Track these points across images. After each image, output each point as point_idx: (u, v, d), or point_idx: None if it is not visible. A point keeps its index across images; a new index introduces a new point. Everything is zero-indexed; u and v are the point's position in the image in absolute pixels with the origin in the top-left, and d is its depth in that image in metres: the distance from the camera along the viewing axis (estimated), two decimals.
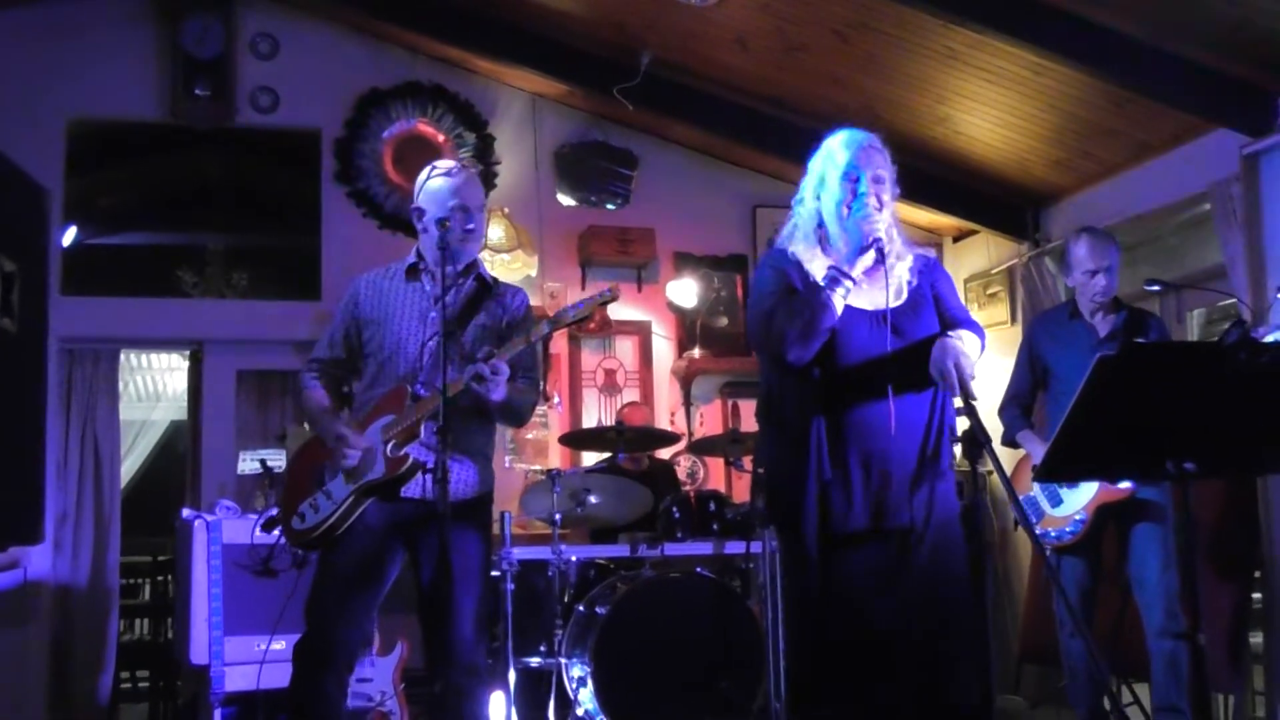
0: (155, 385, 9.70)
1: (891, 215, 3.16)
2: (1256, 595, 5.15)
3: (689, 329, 7.09)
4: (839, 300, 3.02)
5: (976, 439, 2.75)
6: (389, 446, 3.35)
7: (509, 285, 3.72)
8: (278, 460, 5.55)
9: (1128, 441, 2.60)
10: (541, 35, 6.49)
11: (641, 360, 7.09)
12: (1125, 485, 4.31)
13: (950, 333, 3.09)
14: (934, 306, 3.18)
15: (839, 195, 3.13)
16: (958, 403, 2.94)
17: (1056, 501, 4.46)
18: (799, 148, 6.69)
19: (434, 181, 3.59)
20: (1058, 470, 2.87)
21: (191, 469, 6.62)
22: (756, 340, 3.21)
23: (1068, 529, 4.41)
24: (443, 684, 3.35)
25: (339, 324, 3.65)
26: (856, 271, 3.05)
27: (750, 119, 6.67)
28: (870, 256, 3.04)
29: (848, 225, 3.09)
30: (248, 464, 5.80)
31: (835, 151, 3.19)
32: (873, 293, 3.11)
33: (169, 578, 6.96)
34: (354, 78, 6.79)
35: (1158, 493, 4.38)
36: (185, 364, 9.04)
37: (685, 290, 7.00)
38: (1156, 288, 4.73)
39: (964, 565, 2.92)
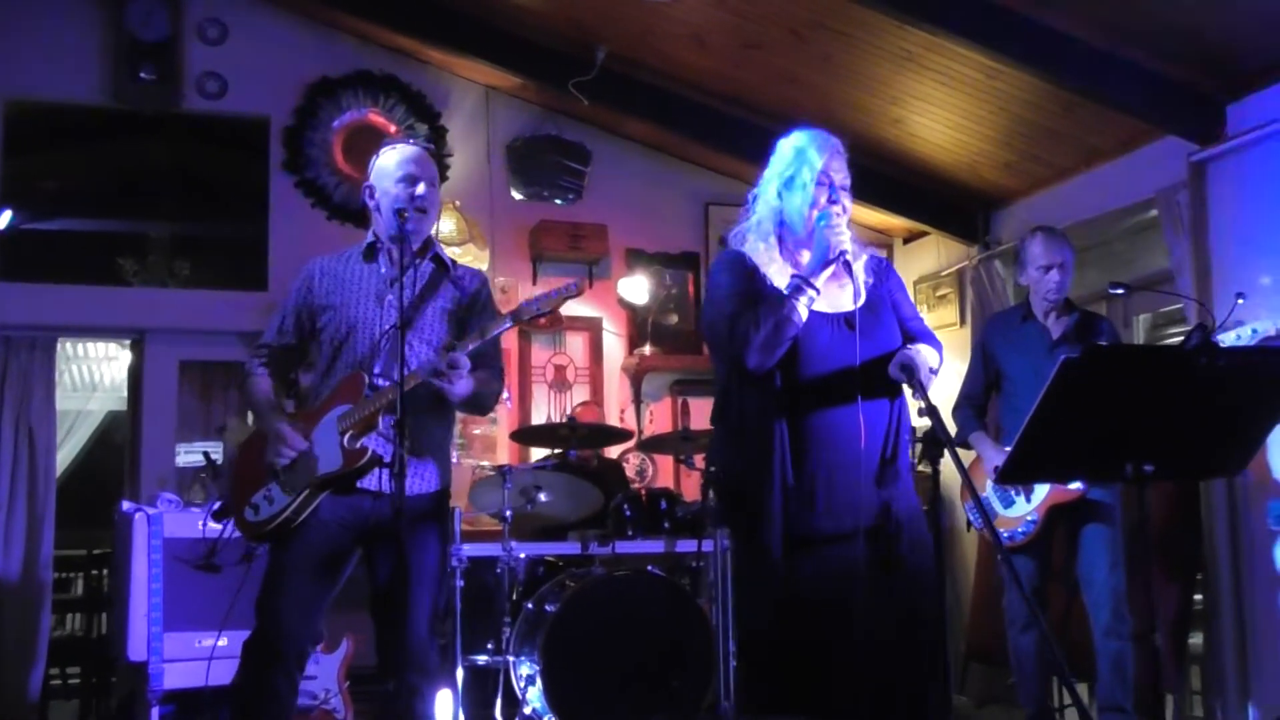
0: (92, 375, 9.52)
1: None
2: (1198, 596, 5.22)
3: (640, 326, 7.07)
4: (803, 309, 2.99)
5: (938, 439, 2.74)
6: (346, 438, 3.27)
7: (466, 267, 3.66)
8: (220, 453, 5.45)
9: (1088, 444, 2.61)
10: (496, 27, 6.43)
11: (592, 356, 7.05)
12: (1076, 487, 4.35)
13: (910, 346, 3.08)
14: (892, 312, 3.18)
15: (809, 198, 3.08)
16: (916, 406, 2.92)
17: (1008, 503, 4.49)
18: (753, 146, 6.71)
19: (384, 157, 3.53)
20: (1019, 472, 2.88)
21: (130, 460, 6.49)
22: (716, 343, 3.15)
23: (1019, 530, 4.44)
24: (397, 683, 3.28)
25: (290, 308, 3.55)
26: (819, 281, 3.00)
27: (705, 116, 6.66)
28: (830, 269, 3.01)
29: (812, 231, 3.06)
30: (189, 456, 5.69)
31: (808, 152, 3.13)
32: (832, 295, 3.08)
33: (104, 572, 6.82)
34: (304, 66, 6.69)
35: (1107, 494, 4.43)
36: (122, 354, 8.93)
37: (637, 287, 6.97)
38: (1120, 290, 4.77)
39: (933, 562, 2.91)
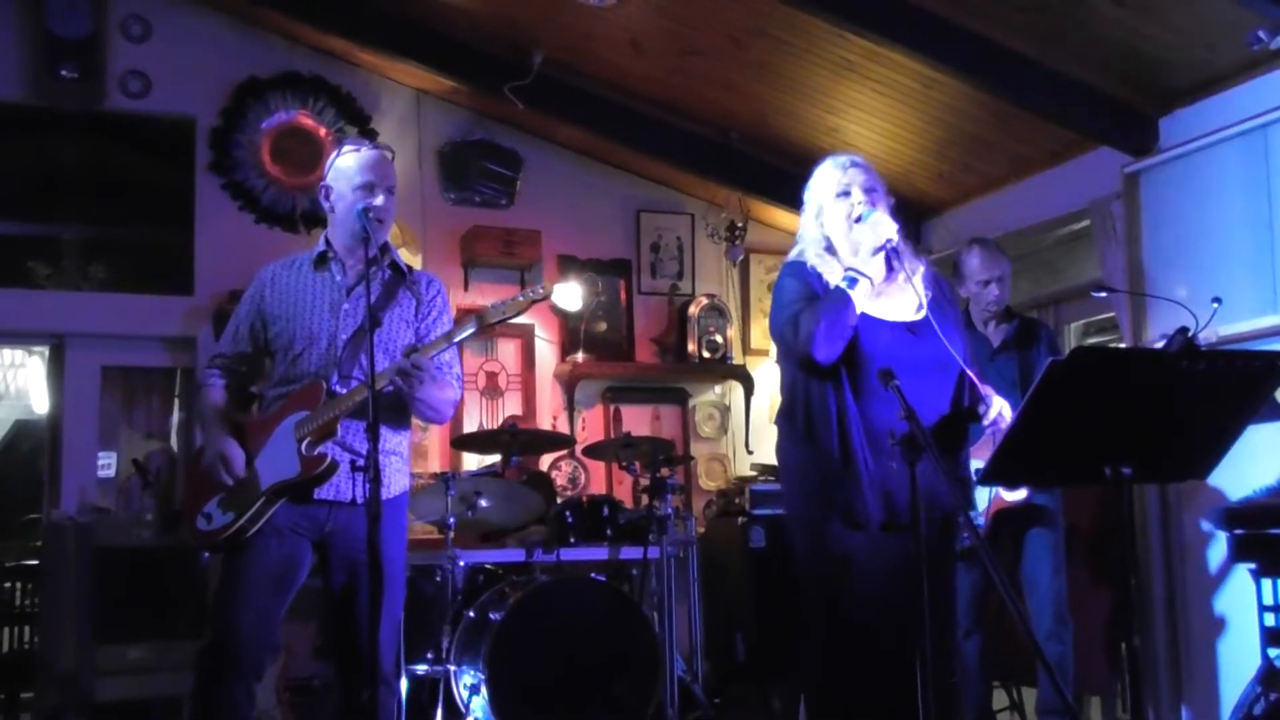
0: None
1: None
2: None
3: (572, 333, 7.02)
4: (858, 298, 3.13)
5: (916, 442, 2.75)
6: (304, 444, 3.19)
7: (422, 272, 3.60)
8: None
9: (1069, 447, 2.63)
10: (428, 29, 6.34)
11: (524, 363, 6.99)
12: (1022, 492, 4.41)
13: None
14: (953, 325, 3.31)
15: (839, 212, 3.28)
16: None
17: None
18: (686, 153, 6.87)
19: (344, 159, 3.45)
20: (1001, 474, 2.90)
21: (50, 469, 6.25)
22: (784, 343, 3.29)
23: (966, 535, 4.48)
24: (360, 695, 3.20)
25: (244, 317, 3.47)
26: (871, 270, 3.15)
27: (640, 123, 6.65)
28: (882, 260, 3.17)
29: (856, 235, 3.22)
30: (114, 465, 5.52)
31: (825, 176, 3.36)
32: (894, 302, 3.24)
33: (15, 584, 6.60)
34: (231, 65, 6.53)
35: (1050, 499, 4.51)
36: (30, 360, 8.63)
37: (569, 294, 6.92)
38: (1103, 294, 4.94)
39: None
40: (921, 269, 3.29)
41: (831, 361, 3.13)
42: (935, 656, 2.72)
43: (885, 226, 3.16)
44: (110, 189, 6.63)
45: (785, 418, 3.36)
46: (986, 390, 3.25)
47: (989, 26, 5.08)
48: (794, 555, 3.35)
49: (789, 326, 3.19)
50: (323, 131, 6.56)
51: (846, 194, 3.28)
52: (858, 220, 3.22)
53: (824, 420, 3.17)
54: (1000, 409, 3.19)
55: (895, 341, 3.19)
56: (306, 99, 6.62)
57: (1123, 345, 5.33)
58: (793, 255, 3.40)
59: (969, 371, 3.26)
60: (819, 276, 3.26)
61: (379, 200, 3.36)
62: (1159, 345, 4.16)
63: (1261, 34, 4.51)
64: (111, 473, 6.14)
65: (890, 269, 3.21)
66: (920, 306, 3.22)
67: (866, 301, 3.18)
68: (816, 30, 5.40)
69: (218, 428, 3.37)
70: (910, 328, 3.22)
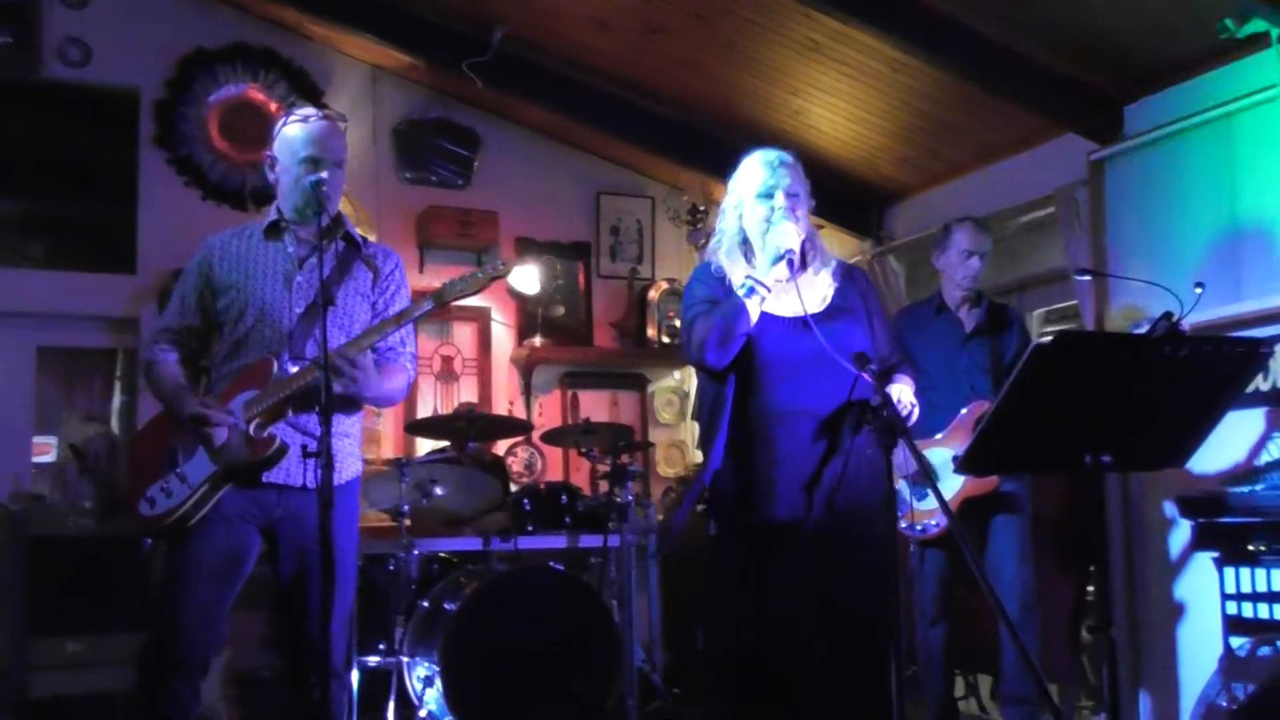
0: None
1: (809, 227, 3.36)
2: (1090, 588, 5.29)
3: (530, 317, 6.88)
4: (754, 307, 3.18)
5: (892, 428, 2.67)
6: (252, 426, 3.04)
7: (378, 245, 3.46)
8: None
9: (1050, 434, 2.56)
10: (385, 1, 6.16)
11: (480, 347, 6.84)
12: (991, 479, 4.35)
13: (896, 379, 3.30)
14: (856, 318, 3.34)
15: (758, 211, 3.30)
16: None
17: (921, 495, 4.46)
18: (648, 135, 6.74)
19: (289, 128, 3.30)
20: (980, 463, 2.82)
21: None
22: (686, 349, 3.36)
23: (933, 522, 4.43)
24: (310, 687, 3.06)
25: (190, 288, 3.30)
26: (770, 280, 3.19)
27: (601, 103, 6.51)
28: (783, 267, 3.19)
29: (767, 238, 3.25)
30: (55, 450, 5.31)
31: (752, 171, 3.38)
32: (792, 300, 3.23)
33: None
34: (177, 35, 6.31)
35: (1018, 486, 4.46)
36: None
37: (527, 277, 6.78)
38: (1086, 278, 4.92)
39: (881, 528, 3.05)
40: (833, 264, 3.39)
41: (723, 367, 3.20)
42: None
43: (788, 238, 3.19)
44: (48, 162, 6.36)
45: (697, 418, 3.61)
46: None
47: (958, 10, 4.99)
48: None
49: (686, 331, 3.30)
50: (274, 106, 6.36)
51: (769, 195, 3.30)
52: (766, 223, 3.26)
53: (718, 419, 3.22)
54: (899, 393, 3.20)
55: (788, 336, 3.23)
56: (257, 72, 6.43)
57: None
58: (709, 250, 3.46)
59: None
60: (723, 280, 3.32)
61: (324, 173, 3.19)
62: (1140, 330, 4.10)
63: (1229, 22, 4.47)
64: (52, 458, 5.93)
65: (793, 269, 3.22)
66: (824, 299, 3.30)
67: (766, 300, 3.24)
68: (783, 10, 5.29)
69: (183, 393, 3.19)
70: (808, 321, 3.19)
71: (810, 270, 3.32)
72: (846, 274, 3.43)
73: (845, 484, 3.13)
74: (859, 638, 3.07)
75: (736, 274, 3.30)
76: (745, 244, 3.36)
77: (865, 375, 2.98)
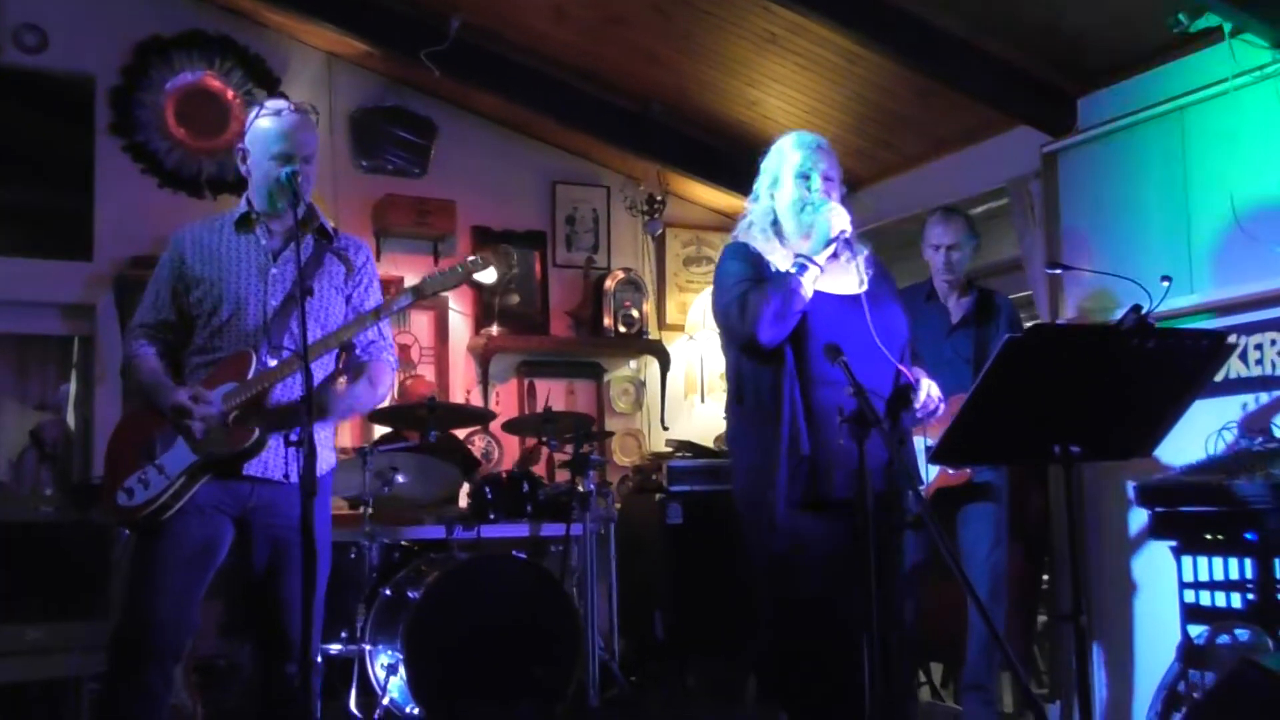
0: None
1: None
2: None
3: (486, 306, 6.90)
4: (808, 284, 3.16)
5: (864, 418, 2.72)
6: (231, 418, 3.05)
7: (349, 237, 3.46)
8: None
9: (1021, 425, 2.62)
10: None
11: (437, 336, 6.85)
12: (966, 472, 4.44)
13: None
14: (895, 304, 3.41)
15: (794, 194, 3.33)
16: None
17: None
18: (603, 125, 6.78)
19: (261, 121, 3.28)
20: (952, 453, 2.88)
21: None
22: (729, 325, 3.28)
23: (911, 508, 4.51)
24: (283, 676, 3.08)
25: (165, 282, 3.29)
26: (822, 259, 3.19)
27: (558, 93, 6.52)
28: (831, 249, 3.20)
29: (806, 219, 3.27)
30: (7, 436, 5.27)
31: (787, 152, 3.41)
32: (838, 279, 3.26)
33: None
34: (133, 22, 6.24)
35: (995, 475, 4.54)
36: None
37: (488, 261, 6.78)
38: (1058, 270, 5.00)
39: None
40: (865, 252, 3.36)
41: (776, 344, 3.14)
42: (885, 632, 2.70)
43: (840, 218, 3.20)
44: (3, 148, 6.28)
45: (734, 402, 3.37)
46: (917, 372, 3.30)
47: (913, 3, 5.06)
48: (743, 538, 3.31)
49: (735, 306, 3.19)
50: (230, 94, 6.33)
51: (805, 177, 3.33)
52: (812, 206, 3.27)
53: (771, 402, 3.18)
54: (929, 390, 3.23)
55: (841, 314, 3.21)
56: (213, 59, 6.38)
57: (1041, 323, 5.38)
58: (737, 234, 3.42)
59: (897, 351, 3.31)
60: (763, 259, 3.29)
61: (296, 168, 3.19)
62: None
63: (1182, 17, 4.56)
64: None
65: (834, 255, 3.25)
66: (861, 282, 3.25)
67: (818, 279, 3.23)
68: (742, 2, 5.34)
69: (165, 383, 3.18)
70: (853, 301, 3.22)
71: (846, 254, 3.29)
72: (875, 260, 3.46)
73: (881, 473, 3.12)
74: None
75: (775, 255, 3.28)
76: (776, 224, 3.36)
77: (903, 369, 3.09)
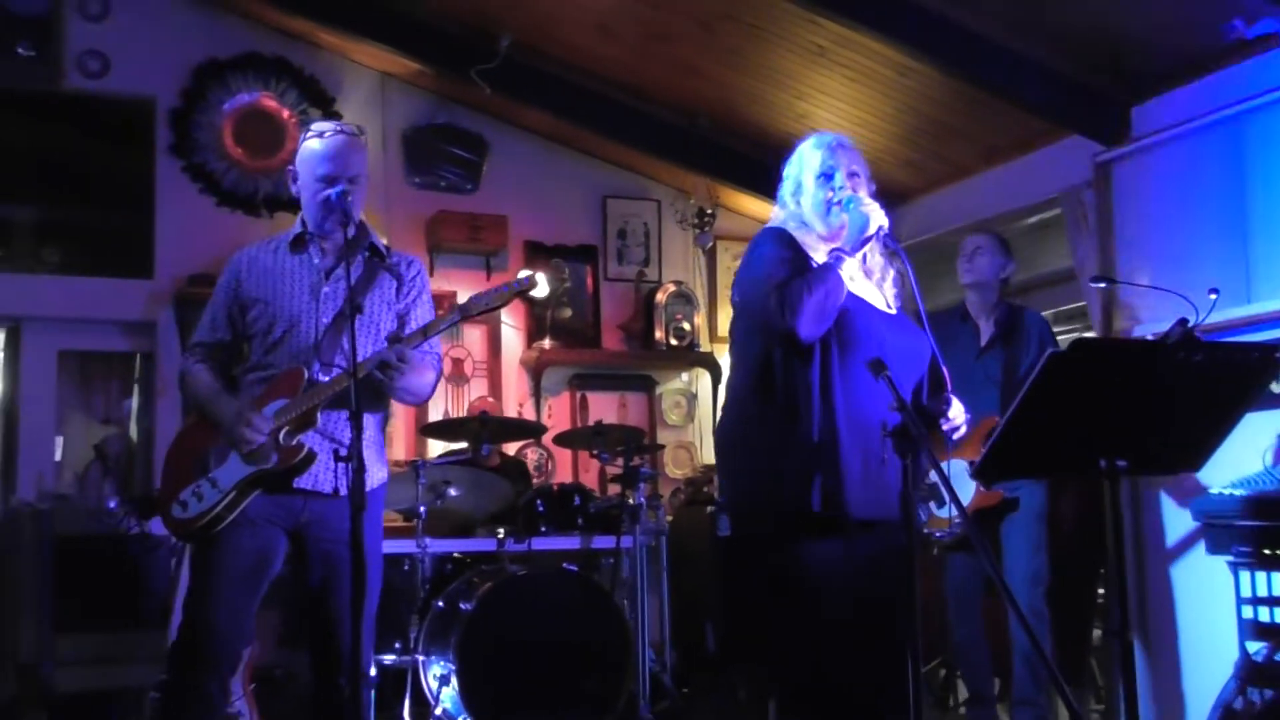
0: None
1: None
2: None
3: (539, 319, 6.95)
4: (845, 278, 2.99)
5: (910, 434, 2.70)
6: (282, 434, 3.12)
7: (401, 254, 3.51)
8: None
9: (1066, 440, 2.60)
10: (392, 10, 6.24)
11: (490, 350, 6.92)
12: (998, 491, 4.45)
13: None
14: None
15: (818, 195, 3.15)
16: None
17: (940, 504, 4.54)
18: (652, 140, 6.82)
19: (309, 143, 3.35)
20: (996, 470, 2.85)
21: (5, 454, 6.10)
22: (763, 314, 3.01)
23: (949, 530, 4.52)
24: (336, 689, 3.14)
25: (220, 304, 3.37)
26: (856, 258, 3.04)
27: (606, 109, 6.58)
28: (866, 247, 3.06)
29: (835, 220, 3.11)
30: (73, 449, 5.40)
31: (807, 154, 3.22)
32: (869, 290, 3.13)
33: None
34: (191, 46, 6.40)
35: (1029, 489, 4.53)
36: None
37: (536, 280, 6.84)
38: (1102, 284, 4.98)
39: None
40: (894, 273, 3.22)
41: (813, 340, 2.95)
42: (918, 649, 2.65)
43: (876, 214, 3.03)
44: (68, 171, 6.47)
45: (759, 394, 3.07)
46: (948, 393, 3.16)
47: (962, 13, 5.04)
48: (747, 544, 3.17)
49: (773, 295, 2.94)
50: (285, 114, 6.46)
51: (829, 176, 3.14)
52: (839, 205, 3.09)
53: (807, 402, 2.97)
54: (958, 411, 3.07)
55: (883, 328, 3.07)
56: (268, 80, 6.51)
57: (1092, 335, 5.34)
58: (773, 223, 3.23)
59: (920, 373, 3.15)
60: (802, 247, 3.10)
61: (344, 189, 3.24)
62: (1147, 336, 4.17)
63: (1237, 23, 4.51)
64: (58, 458, 6.04)
65: (894, 243, 3.11)
66: (888, 305, 3.16)
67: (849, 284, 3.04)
68: (787, 15, 5.35)
69: (222, 395, 3.26)
70: (883, 316, 3.11)
71: (882, 263, 3.17)
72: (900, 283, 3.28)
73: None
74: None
75: (816, 252, 3.09)
76: (803, 228, 3.17)
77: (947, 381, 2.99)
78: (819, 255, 3.10)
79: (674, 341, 7.10)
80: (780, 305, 2.93)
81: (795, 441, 2.96)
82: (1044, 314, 5.99)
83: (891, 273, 3.21)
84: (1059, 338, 6.01)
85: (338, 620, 3.13)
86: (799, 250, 3.09)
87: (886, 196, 6.49)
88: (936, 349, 3.15)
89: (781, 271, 3.00)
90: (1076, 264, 5.45)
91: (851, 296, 3.02)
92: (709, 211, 7.10)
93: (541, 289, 6.82)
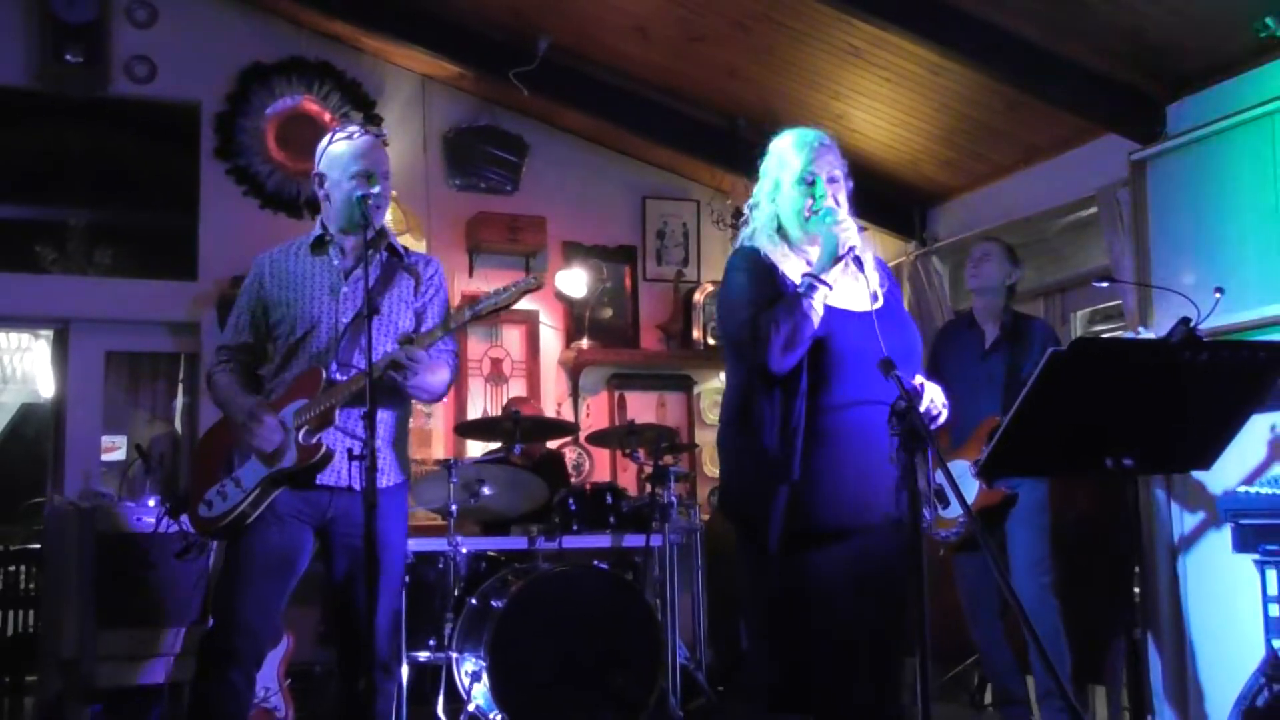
0: (4, 366, 9.19)
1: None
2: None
3: (577, 319, 7.01)
4: (818, 304, 2.94)
5: (918, 434, 2.70)
6: (301, 433, 3.19)
7: (419, 254, 3.60)
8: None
9: (1069, 438, 2.61)
10: (433, 14, 6.34)
11: (528, 350, 6.98)
12: (1000, 489, 4.50)
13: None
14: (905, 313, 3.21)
15: (797, 201, 3.06)
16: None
17: (944, 504, 4.55)
18: (690, 140, 6.85)
19: (336, 145, 3.44)
20: (1000, 466, 2.87)
21: (54, 454, 6.27)
22: (740, 345, 3.04)
23: (954, 530, 4.54)
24: (356, 681, 3.20)
25: (245, 307, 3.47)
26: (831, 277, 2.96)
27: (644, 109, 6.63)
28: (839, 265, 2.97)
29: (812, 229, 3.03)
30: (124, 449, 5.53)
31: (787, 154, 3.11)
32: (849, 293, 3.04)
33: (20, 568, 6.59)
34: (236, 51, 6.53)
35: (1031, 486, 4.56)
36: (36, 344, 8.62)
37: (574, 280, 6.91)
38: (1105, 285, 5.02)
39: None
40: (870, 253, 3.11)
41: (785, 371, 2.93)
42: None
43: (847, 235, 2.95)
44: (115, 174, 6.63)
45: (738, 419, 3.08)
46: (919, 381, 3.02)
47: (997, 12, 5.03)
48: (741, 560, 3.14)
49: (746, 330, 2.95)
50: (328, 117, 6.55)
51: (809, 183, 3.03)
52: (819, 214, 3.00)
53: (779, 428, 2.95)
54: (931, 396, 2.97)
55: (856, 330, 2.98)
56: (311, 84, 6.62)
57: (1126, 334, 5.30)
58: (744, 237, 3.16)
59: (912, 369, 3.03)
60: (775, 268, 3.04)
61: (376, 189, 3.34)
62: (1155, 336, 4.15)
63: (1269, 21, 4.46)
64: (120, 455, 6.17)
65: (859, 265, 3.00)
66: (875, 297, 3.04)
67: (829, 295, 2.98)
68: (823, 16, 5.37)
69: (239, 395, 3.36)
70: (864, 317, 2.99)
71: (853, 268, 3.02)
72: (883, 265, 3.22)
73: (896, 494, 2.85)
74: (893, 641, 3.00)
75: (788, 264, 3.04)
76: (781, 230, 3.10)
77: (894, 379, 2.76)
78: (790, 264, 3.05)
79: (712, 341, 7.12)
80: (751, 340, 2.94)
81: (767, 460, 2.95)
82: (1081, 312, 6.03)
83: (869, 254, 3.10)
84: (1099, 337, 5.99)
85: (359, 615, 3.19)
86: (770, 273, 3.03)
87: (925, 196, 6.65)
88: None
89: (749, 308, 2.98)
90: (1113, 263, 5.41)
91: (830, 313, 2.96)
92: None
93: (579, 289, 6.89)
